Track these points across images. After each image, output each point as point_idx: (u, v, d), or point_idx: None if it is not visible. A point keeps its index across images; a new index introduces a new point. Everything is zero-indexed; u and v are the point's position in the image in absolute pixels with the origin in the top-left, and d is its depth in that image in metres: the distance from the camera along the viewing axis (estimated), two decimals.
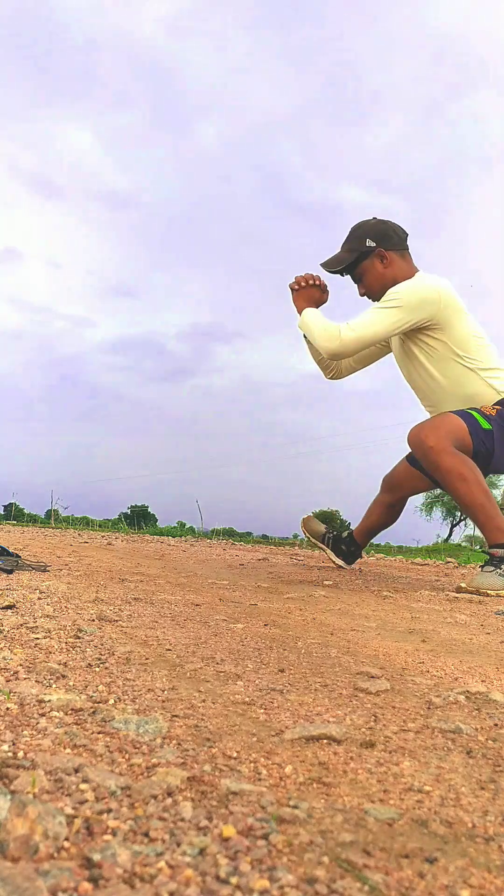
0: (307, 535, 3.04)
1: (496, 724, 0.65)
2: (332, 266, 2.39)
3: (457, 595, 2.12)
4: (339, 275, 2.41)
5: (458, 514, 29.20)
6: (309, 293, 2.41)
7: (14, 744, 0.50)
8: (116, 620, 1.14)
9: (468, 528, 28.88)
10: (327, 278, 2.46)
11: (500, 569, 2.09)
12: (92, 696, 0.65)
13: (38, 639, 0.91)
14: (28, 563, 2.07)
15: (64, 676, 0.72)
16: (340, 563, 2.99)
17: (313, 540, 3.04)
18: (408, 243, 2.40)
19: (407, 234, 2.41)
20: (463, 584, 2.17)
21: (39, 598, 1.33)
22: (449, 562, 4.89)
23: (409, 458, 2.67)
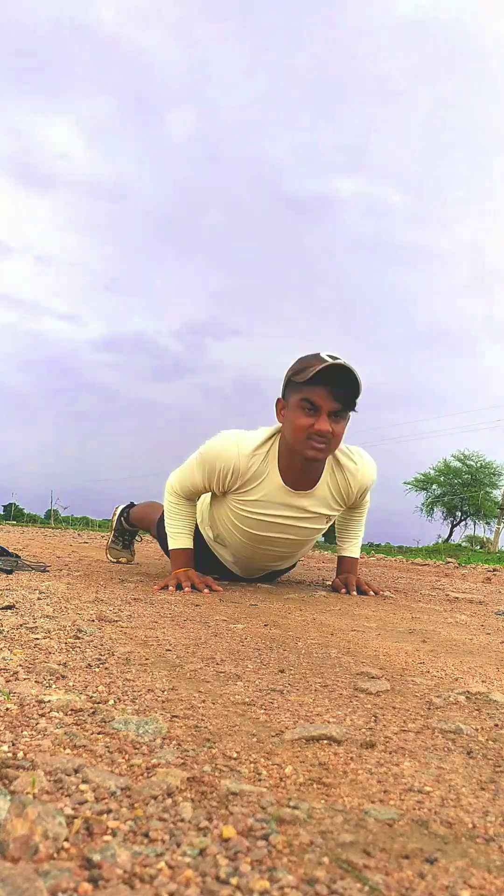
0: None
1: (496, 725, 0.65)
2: (353, 396, 1.68)
3: (458, 597, 2.12)
4: (342, 404, 1.68)
5: (459, 514, 29.21)
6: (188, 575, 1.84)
7: (14, 744, 0.50)
8: (116, 621, 1.14)
9: (469, 529, 28.89)
10: None
11: None
12: (92, 697, 0.65)
13: (37, 639, 0.91)
14: (28, 563, 2.07)
15: (64, 677, 0.72)
16: None
17: None
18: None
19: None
20: None
21: (39, 599, 1.33)
22: (449, 562, 4.89)
23: None
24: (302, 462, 1.75)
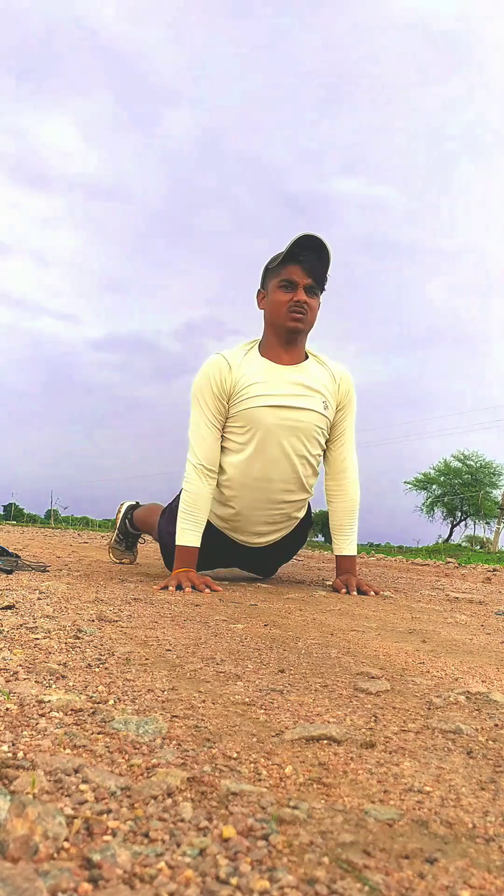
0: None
1: (496, 725, 0.65)
2: (324, 271, 1.96)
3: (458, 597, 2.12)
4: (314, 280, 1.95)
5: (459, 514, 29.20)
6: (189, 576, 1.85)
7: (14, 744, 0.50)
8: (116, 621, 1.14)
9: (469, 529, 28.89)
10: None
11: None
12: (92, 697, 0.65)
13: (37, 639, 0.91)
14: (28, 563, 2.07)
15: (64, 677, 0.72)
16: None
17: None
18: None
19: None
20: None
21: (39, 599, 1.33)
22: (449, 562, 4.89)
23: None
24: (286, 336, 1.99)
